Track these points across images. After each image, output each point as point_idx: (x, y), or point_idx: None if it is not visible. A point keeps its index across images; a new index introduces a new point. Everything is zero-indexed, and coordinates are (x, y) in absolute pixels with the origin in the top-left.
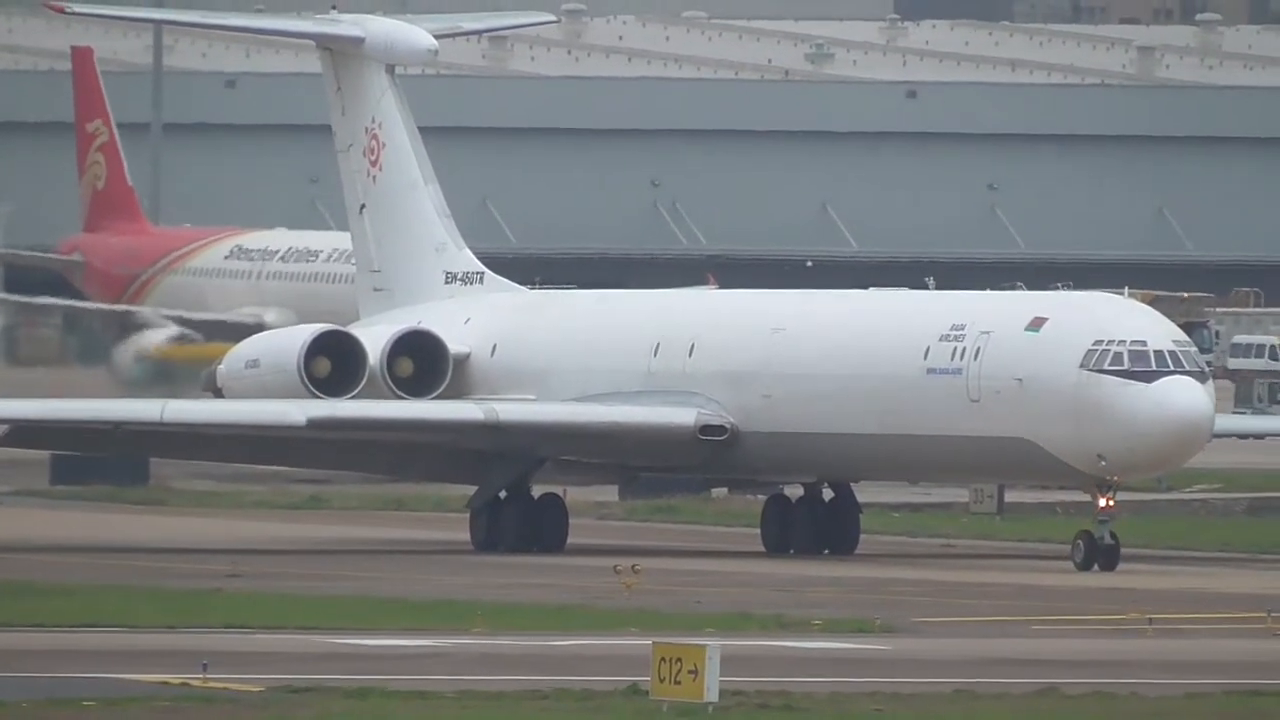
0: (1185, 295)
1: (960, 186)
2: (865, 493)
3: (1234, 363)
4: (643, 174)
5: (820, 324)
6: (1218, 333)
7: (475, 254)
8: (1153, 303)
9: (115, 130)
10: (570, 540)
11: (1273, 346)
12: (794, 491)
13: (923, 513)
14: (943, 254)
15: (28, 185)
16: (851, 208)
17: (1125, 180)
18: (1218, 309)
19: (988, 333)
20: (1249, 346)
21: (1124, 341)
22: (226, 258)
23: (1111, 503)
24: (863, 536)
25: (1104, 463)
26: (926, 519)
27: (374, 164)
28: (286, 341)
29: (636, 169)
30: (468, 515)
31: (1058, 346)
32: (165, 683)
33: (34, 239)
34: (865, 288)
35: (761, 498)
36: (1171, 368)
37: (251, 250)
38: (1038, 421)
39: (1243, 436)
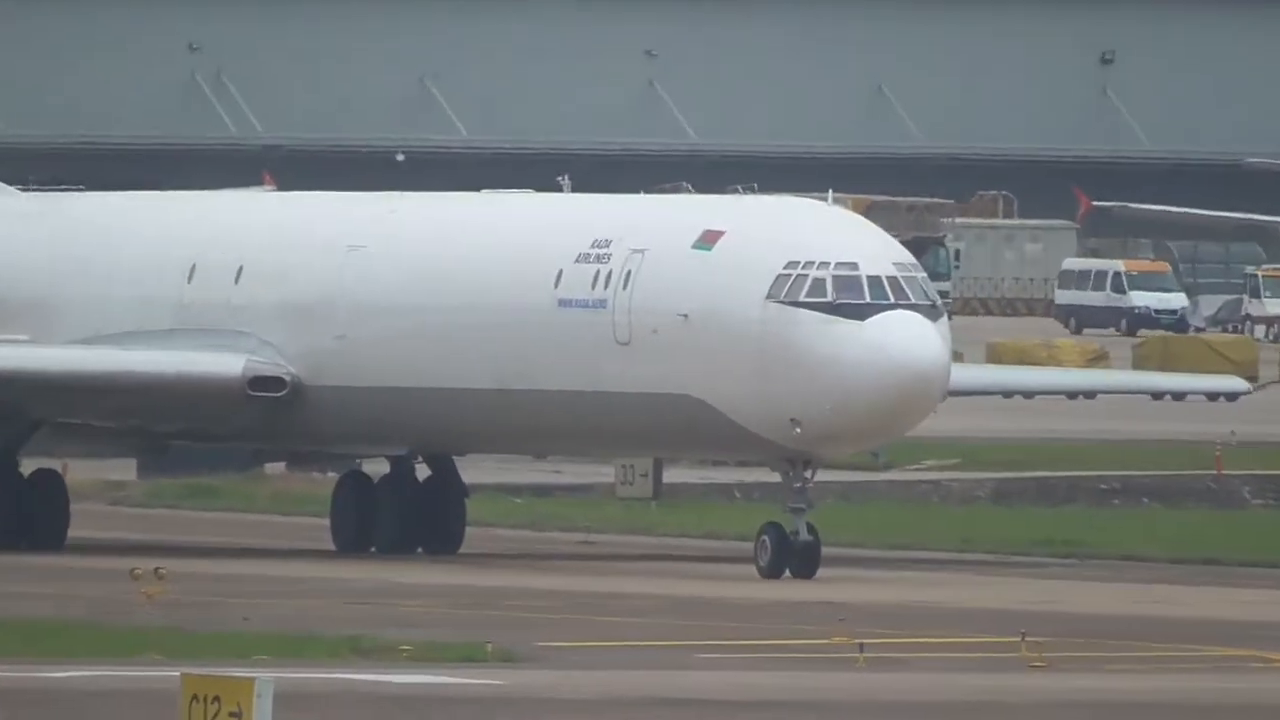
0: (913, 201)
1: (610, 56)
2: (475, 470)
3: (1064, 296)
4: (177, 39)
5: (414, 239)
6: (958, 252)
7: None
8: (868, 211)
9: None
10: (72, 533)
11: (1117, 274)
12: (377, 468)
13: (553, 497)
14: (585, 145)
15: None
16: (461, 83)
17: (826, 49)
18: (957, 219)
19: (642, 251)
20: (1085, 274)
21: (827, 264)
22: None
23: (809, 484)
24: (470, 529)
25: (799, 429)
26: (558, 505)
27: None
28: None
29: (170, 34)
30: None
31: (737, 271)
32: None
33: None
34: (477, 189)
35: (333, 476)
36: (892, 299)
37: None
38: (709, 373)
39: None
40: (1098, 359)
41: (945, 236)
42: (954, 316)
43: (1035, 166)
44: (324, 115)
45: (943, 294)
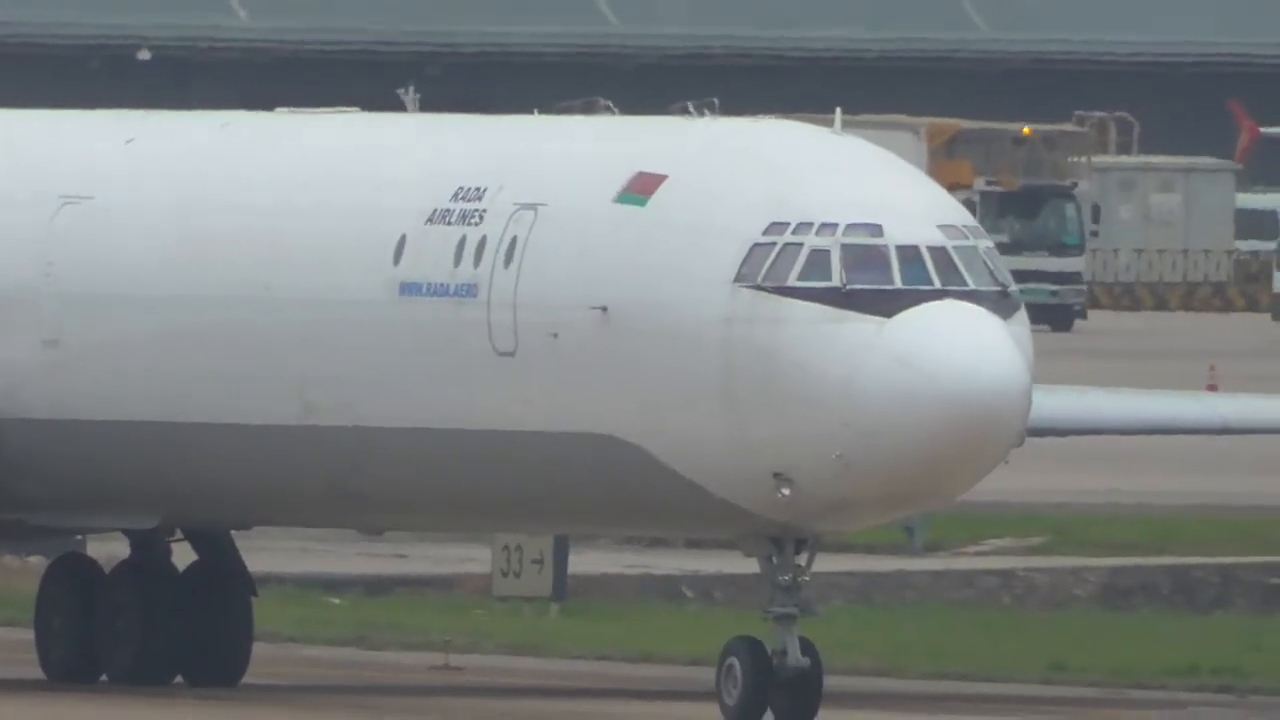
0: (1026, 129)
1: None
2: (267, 554)
3: None
4: None
5: (166, 186)
6: (1096, 209)
7: None
8: (952, 144)
9: None
10: None
11: None
12: (110, 549)
13: (394, 596)
14: (443, 38)
15: None
16: None
17: None
18: (1093, 158)
19: (534, 206)
20: None
21: (832, 226)
22: None
23: (805, 577)
24: (260, 647)
25: (787, 491)
26: (401, 609)
27: None
28: None
29: None
30: None
31: (687, 238)
32: None
33: None
34: (268, 106)
35: (40, 562)
36: (937, 283)
37: None
38: (643, 401)
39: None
40: None
41: (1075, 185)
42: (1089, 312)
43: (1167, 73)
44: None
45: (1069, 277)
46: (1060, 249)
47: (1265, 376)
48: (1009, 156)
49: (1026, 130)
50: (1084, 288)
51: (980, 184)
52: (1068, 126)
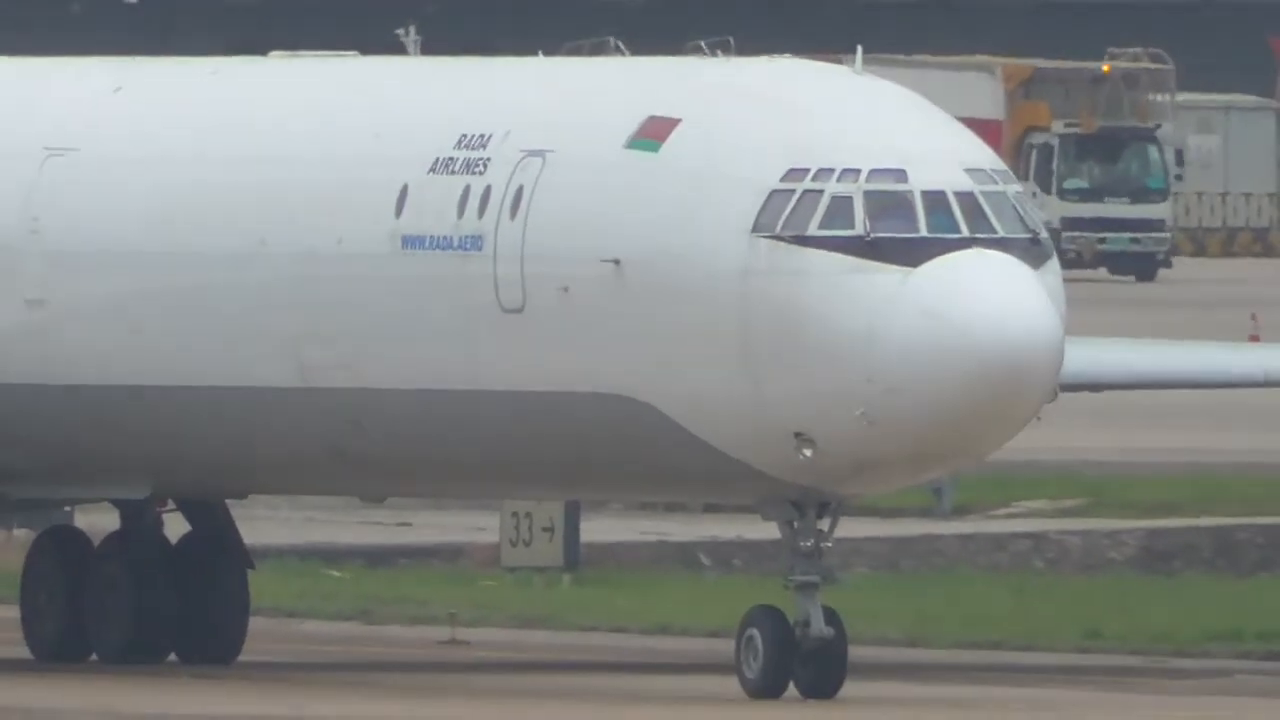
0: (1106, 66)
1: None
2: (264, 524)
3: None
4: None
5: (156, 137)
6: (1180, 153)
7: None
8: (1030, 83)
9: None
10: None
11: None
12: (99, 520)
13: (398, 567)
14: None
15: None
16: None
17: None
18: (1178, 95)
19: (542, 153)
20: None
21: (855, 172)
22: None
23: (828, 543)
24: (257, 622)
25: (809, 452)
26: (406, 581)
27: None
28: None
29: None
30: None
31: (702, 186)
32: None
33: None
34: (262, 51)
35: (26, 534)
36: (965, 231)
37: None
38: (657, 359)
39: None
40: None
41: (1159, 127)
42: (1174, 260)
43: (1203, 7)
44: None
45: (1152, 224)
46: (1143, 194)
47: None
48: (1088, 96)
49: (1106, 68)
50: (1167, 235)
51: (1059, 126)
52: (1149, 63)
